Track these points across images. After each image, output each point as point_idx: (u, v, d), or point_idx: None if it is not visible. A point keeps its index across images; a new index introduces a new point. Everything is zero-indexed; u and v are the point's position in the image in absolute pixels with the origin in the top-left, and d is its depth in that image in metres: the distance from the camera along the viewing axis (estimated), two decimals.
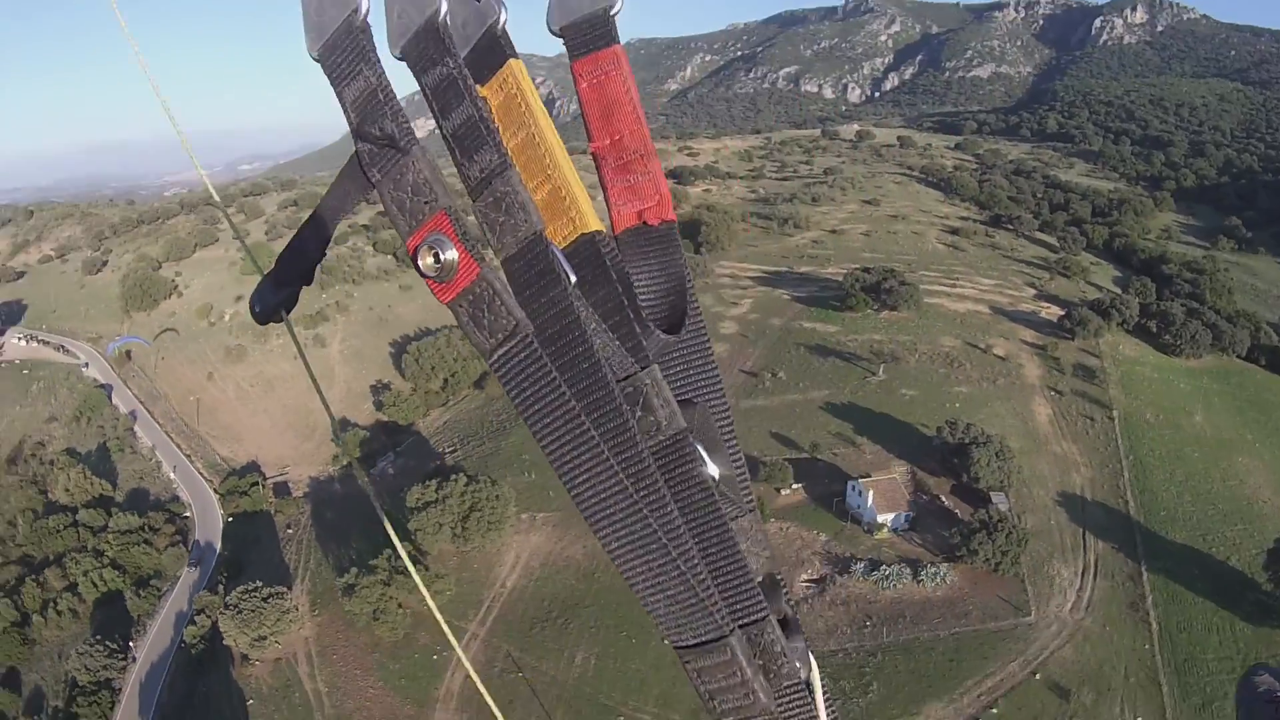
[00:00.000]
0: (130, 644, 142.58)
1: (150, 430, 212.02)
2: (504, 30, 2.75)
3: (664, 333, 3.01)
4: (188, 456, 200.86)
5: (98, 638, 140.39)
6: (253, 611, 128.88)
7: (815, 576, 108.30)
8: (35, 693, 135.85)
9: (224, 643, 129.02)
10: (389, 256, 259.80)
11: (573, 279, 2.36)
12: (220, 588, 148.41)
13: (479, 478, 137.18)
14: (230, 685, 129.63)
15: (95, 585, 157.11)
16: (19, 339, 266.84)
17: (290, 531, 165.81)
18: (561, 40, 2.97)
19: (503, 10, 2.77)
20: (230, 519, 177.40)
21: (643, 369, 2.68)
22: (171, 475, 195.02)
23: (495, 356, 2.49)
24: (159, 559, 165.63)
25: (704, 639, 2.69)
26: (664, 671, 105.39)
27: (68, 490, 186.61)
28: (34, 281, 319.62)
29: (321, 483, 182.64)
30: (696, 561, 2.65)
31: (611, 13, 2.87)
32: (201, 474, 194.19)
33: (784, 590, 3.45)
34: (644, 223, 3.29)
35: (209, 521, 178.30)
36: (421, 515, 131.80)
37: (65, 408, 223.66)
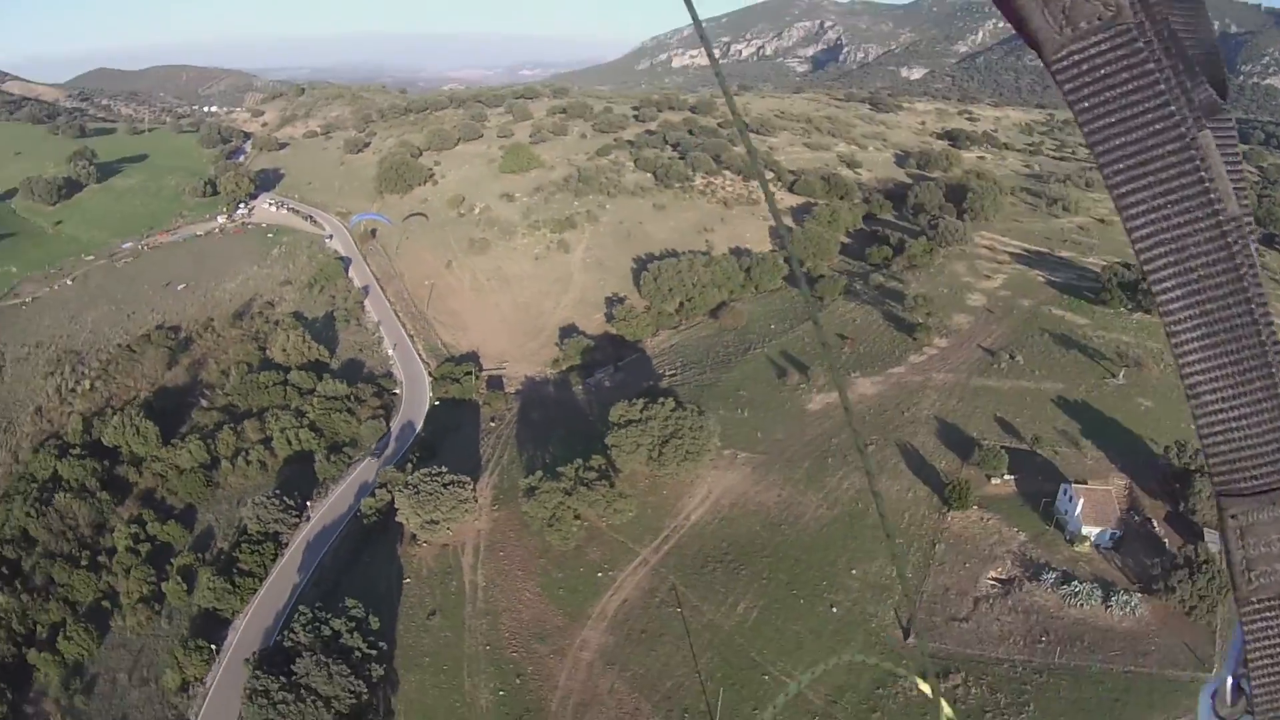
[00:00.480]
0: (308, 504, 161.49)
1: (379, 307, 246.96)
2: None
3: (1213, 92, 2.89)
4: (410, 336, 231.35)
5: (277, 492, 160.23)
6: (430, 495, 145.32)
7: (1003, 576, 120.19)
8: (206, 533, 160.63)
9: (397, 519, 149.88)
10: (648, 174, 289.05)
11: None
12: (409, 466, 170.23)
13: (687, 405, 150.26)
14: (393, 561, 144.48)
15: (289, 443, 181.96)
16: (270, 204, 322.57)
17: (493, 424, 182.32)
18: None
19: None
20: (437, 403, 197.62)
21: (1198, 130, 2.54)
22: (390, 352, 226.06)
23: (1068, 51, 2.40)
24: (357, 428, 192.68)
25: (1270, 486, 2.52)
26: (822, 641, 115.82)
27: (284, 350, 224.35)
28: (296, 153, 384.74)
29: (536, 383, 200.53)
30: None
31: None
32: (420, 355, 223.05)
33: None
34: None
35: (415, 402, 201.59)
36: (620, 432, 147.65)
37: (301, 273, 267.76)
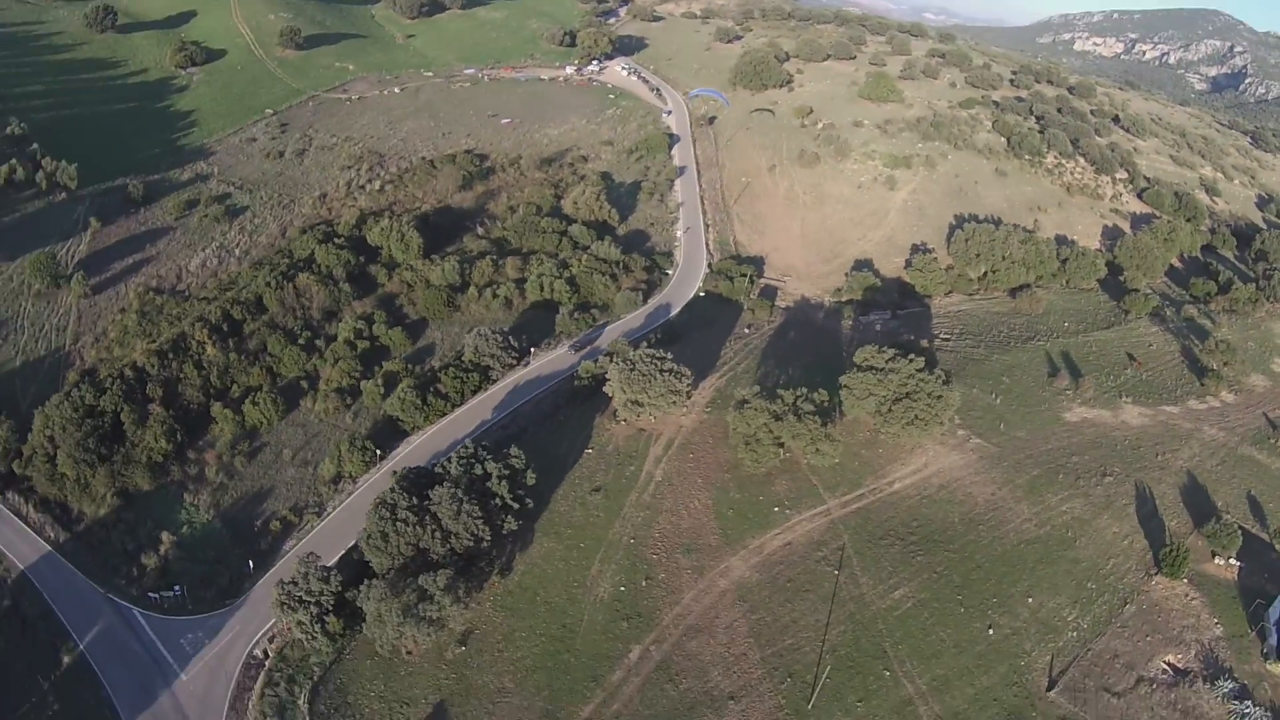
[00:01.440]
0: (531, 350, 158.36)
1: (688, 190, 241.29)
2: None
3: None
4: (706, 226, 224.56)
5: (505, 332, 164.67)
6: (643, 375, 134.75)
7: (1179, 665, 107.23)
8: (426, 348, 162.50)
9: (604, 389, 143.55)
10: (1001, 138, 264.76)
11: None
12: (643, 345, 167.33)
13: (936, 371, 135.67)
14: (585, 429, 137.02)
15: (541, 289, 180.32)
16: (623, 68, 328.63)
17: (747, 331, 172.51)
18: None
19: None
20: (702, 294, 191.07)
21: None
22: (678, 234, 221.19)
23: None
24: (613, 294, 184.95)
25: None
26: (963, 658, 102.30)
27: (575, 204, 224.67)
28: (666, 29, 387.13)
29: (808, 306, 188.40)
30: None
31: None
32: (707, 245, 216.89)
33: None
34: None
35: (683, 287, 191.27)
36: (858, 375, 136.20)
37: (626, 138, 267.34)
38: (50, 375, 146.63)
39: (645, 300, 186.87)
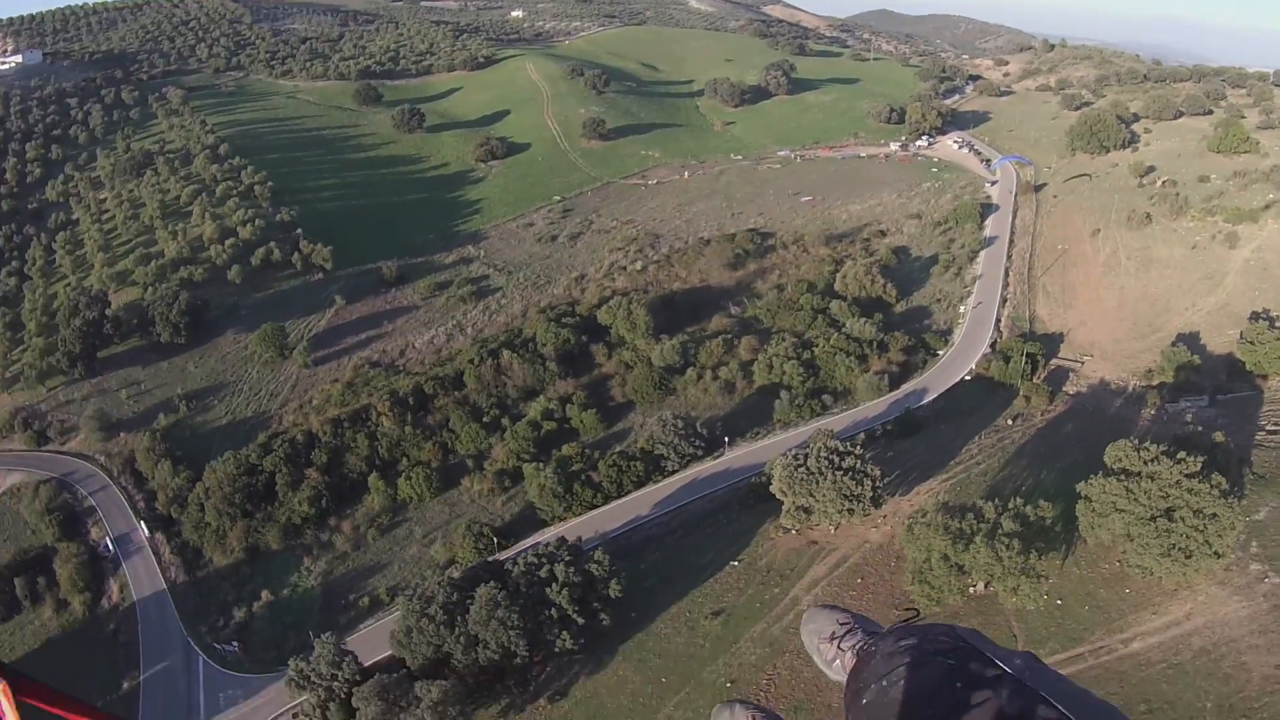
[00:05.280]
0: (727, 441, 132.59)
1: (992, 261, 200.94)
2: None
3: None
4: (1003, 299, 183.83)
5: (692, 418, 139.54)
6: (811, 474, 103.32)
7: None
8: (620, 433, 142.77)
9: (771, 488, 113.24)
10: None
11: None
12: (864, 439, 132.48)
13: (1213, 478, 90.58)
14: (746, 535, 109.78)
15: (769, 371, 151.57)
16: (955, 142, 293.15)
17: (1010, 424, 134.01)
18: None
19: None
20: (969, 377, 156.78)
21: None
22: (962, 309, 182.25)
23: None
24: (855, 379, 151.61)
25: None
26: None
27: (845, 279, 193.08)
28: (1014, 102, 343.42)
29: (1105, 391, 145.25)
30: None
31: None
32: (997, 322, 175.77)
33: None
34: None
35: (948, 373, 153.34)
36: (1102, 484, 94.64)
37: (935, 211, 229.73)
38: (248, 436, 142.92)
39: (896, 385, 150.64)
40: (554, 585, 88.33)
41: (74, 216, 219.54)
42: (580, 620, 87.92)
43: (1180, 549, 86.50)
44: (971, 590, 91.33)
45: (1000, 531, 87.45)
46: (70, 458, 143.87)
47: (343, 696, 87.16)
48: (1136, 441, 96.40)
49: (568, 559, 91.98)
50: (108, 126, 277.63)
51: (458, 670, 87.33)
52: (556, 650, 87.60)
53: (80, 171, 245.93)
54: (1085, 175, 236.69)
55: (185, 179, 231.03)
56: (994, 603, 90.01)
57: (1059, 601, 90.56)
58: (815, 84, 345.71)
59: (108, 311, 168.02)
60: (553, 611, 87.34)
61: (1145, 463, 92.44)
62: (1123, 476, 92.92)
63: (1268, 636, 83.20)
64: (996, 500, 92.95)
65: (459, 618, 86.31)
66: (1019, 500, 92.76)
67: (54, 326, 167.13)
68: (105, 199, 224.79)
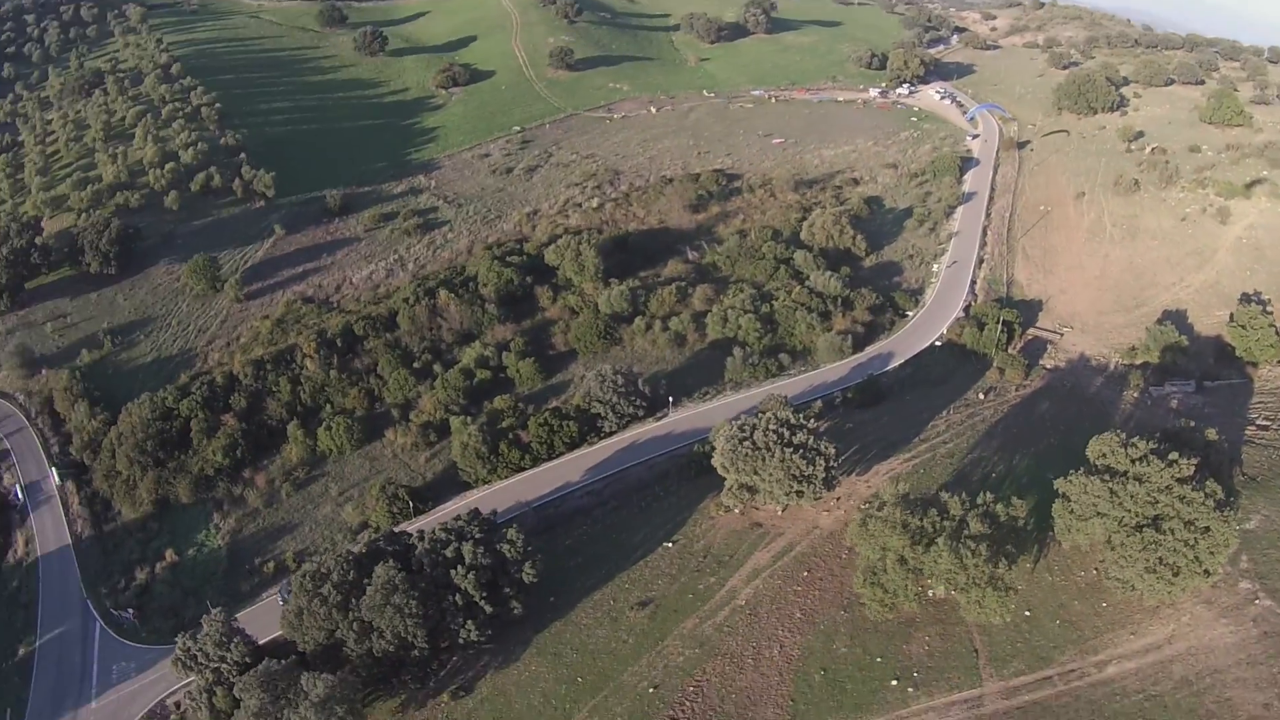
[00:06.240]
0: (670, 402, 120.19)
1: (970, 219, 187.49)
2: None
3: None
4: (980, 260, 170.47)
5: (635, 375, 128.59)
6: (758, 449, 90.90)
7: None
8: (558, 386, 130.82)
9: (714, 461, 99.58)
10: None
11: None
12: (820, 406, 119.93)
13: (1208, 485, 79.24)
14: (683, 512, 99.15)
15: (723, 325, 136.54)
16: (937, 92, 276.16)
17: (982, 398, 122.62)
18: None
19: None
20: (939, 344, 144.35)
21: None
22: (936, 268, 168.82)
23: None
24: (814, 338, 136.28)
25: None
26: None
27: (812, 229, 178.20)
28: (1000, 57, 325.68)
29: (1085, 367, 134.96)
30: None
31: None
32: (972, 284, 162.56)
33: None
34: None
35: (917, 336, 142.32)
36: (1081, 483, 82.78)
37: (913, 161, 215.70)
38: (172, 375, 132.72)
39: (861, 347, 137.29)
40: (460, 568, 75.08)
41: (19, 138, 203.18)
42: (488, 608, 77.52)
43: (1167, 564, 76.37)
44: (930, 594, 78.67)
45: (966, 533, 74.52)
46: None
47: (231, 679, 77.66)
48: (1124, 436, 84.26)
49: (478, 536, 79.91)
50: (63, 44, 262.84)
51: (350, 660, 75.13)
52: (460, 641, 75.06)
53: (30, 91, 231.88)
54: (1064, 131, 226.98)
55: (133, 99, 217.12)
56: (954, 610, 79.29)
57: (1027, 613, 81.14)
58: (795, 24, 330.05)
59: (37, 240, 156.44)
60: (457, 598, 75.86)
61: (1133, 461, 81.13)
62: (1107, 475, 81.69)
63: (1256, 669, 73.14)
64: (963, 494, 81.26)
65: (354, 600, 74.10)
66: (988, 495, 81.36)
67: None
68: (51, 120, 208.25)
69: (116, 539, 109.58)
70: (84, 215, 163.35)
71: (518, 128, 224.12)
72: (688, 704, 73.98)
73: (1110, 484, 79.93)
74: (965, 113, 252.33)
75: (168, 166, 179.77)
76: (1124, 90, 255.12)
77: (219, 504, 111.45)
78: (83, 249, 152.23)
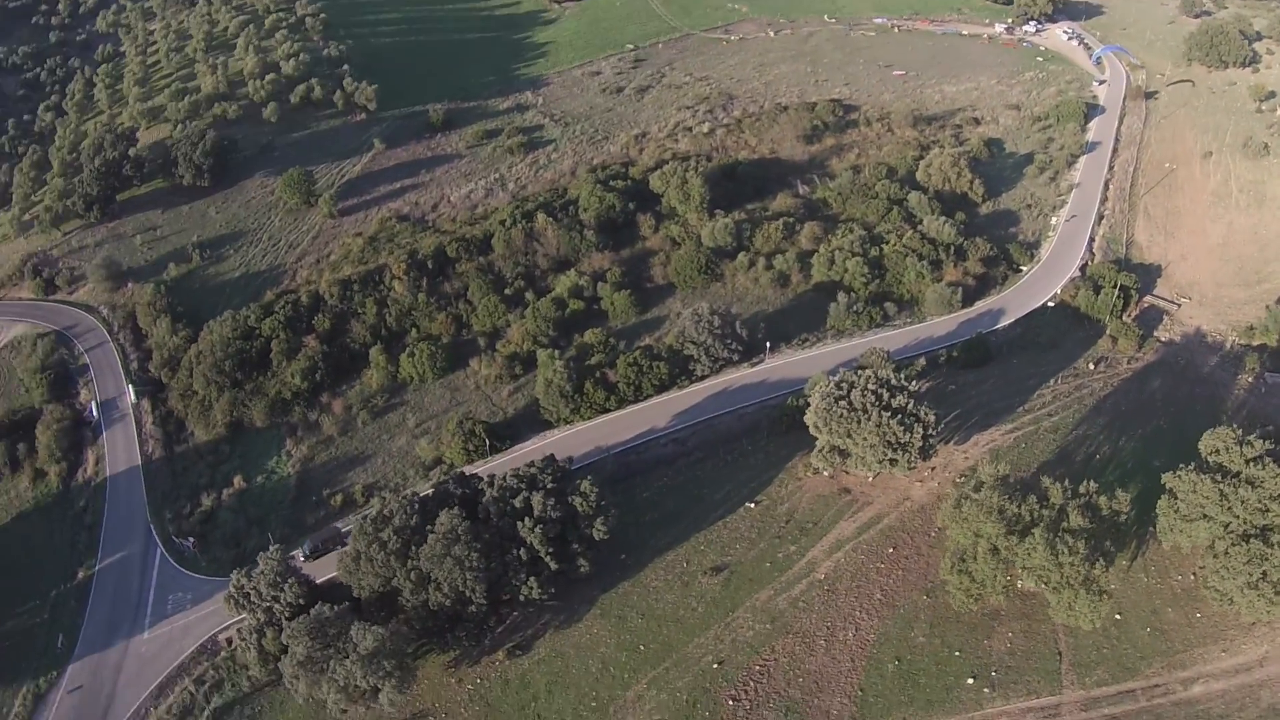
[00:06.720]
0: (769, 346, 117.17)
1: (1092, 170, 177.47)
2: None
3: None
4: (1100, 216, 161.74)
5: (734, 316, 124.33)
6: (853, 410, 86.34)
7: None
8: (654, 321, 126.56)
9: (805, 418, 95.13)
10: None
11: None
12: (915, 364, 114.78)
13: None
14: (770, 471, 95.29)
15: (829, 267, 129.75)
16: (1064, 33, 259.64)
17: (1092, 368, 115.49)
18: None
19: None
20: (1051, 304, 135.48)
21: None
22: (1053, 220, 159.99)
23: None
24: (923, 288, 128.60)
25: None
26: None
27: (929, 170, 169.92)
28: (1131, 0, 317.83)
29: (1200, 343, 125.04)
30: None
31: None
32: (1090, 243, 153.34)
33: None
34: None
35: (1030, 294, 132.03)
36: (1189, 477, 76.66)
37: (1037, 104, 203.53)
38: (258, 292, 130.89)
39: (970, 301, 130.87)
40: (528, 520, 73.03)
41: (121, 49, 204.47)
42: (554, 565, 73.83)
43: (1270, 582, 69.52)
44: (1019, 585, 74.56)
45: (1065, 524, 70.00)
46: (75, 309, 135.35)
47: (282, 622, 75.28)
48: (1239, 432, 77.27)
49: (549, 486, 76.89)
50: None
51: (405, 610, 73.52)
52: (521, 598, 73.01)
53: (133, 1, 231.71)
54: (1188, 81, 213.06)
55: (237, 9, 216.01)
56: (1042, 606, 74.18)
57: (1118, 616, 75.54)
58: None
59: (131, 151, 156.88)
60: (522, 553, 72.94)
61: (1247, 462, 73.93)
62: (1218, 474, 74.63)
63: None
64: (1065, 480, 75.00)
65: (414, 548, 72.02)
66: (1091, 484, 75.46)
67: (78, 166, 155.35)
68: (154, 30, 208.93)
69: (186, 461, 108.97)
70: (180, 127, 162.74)
71: (631, 46, 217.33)
72: (752, 684, 71.05)
73: (1221, 485, 73.62)
74: (1091, 54, 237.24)
75: (268, 78, 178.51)
76: (1256, 46, 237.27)
77: (293, 429, 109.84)
78: (176, 160, 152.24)
